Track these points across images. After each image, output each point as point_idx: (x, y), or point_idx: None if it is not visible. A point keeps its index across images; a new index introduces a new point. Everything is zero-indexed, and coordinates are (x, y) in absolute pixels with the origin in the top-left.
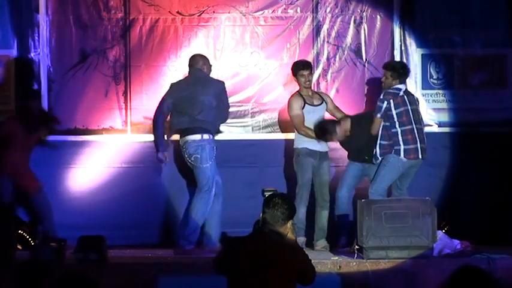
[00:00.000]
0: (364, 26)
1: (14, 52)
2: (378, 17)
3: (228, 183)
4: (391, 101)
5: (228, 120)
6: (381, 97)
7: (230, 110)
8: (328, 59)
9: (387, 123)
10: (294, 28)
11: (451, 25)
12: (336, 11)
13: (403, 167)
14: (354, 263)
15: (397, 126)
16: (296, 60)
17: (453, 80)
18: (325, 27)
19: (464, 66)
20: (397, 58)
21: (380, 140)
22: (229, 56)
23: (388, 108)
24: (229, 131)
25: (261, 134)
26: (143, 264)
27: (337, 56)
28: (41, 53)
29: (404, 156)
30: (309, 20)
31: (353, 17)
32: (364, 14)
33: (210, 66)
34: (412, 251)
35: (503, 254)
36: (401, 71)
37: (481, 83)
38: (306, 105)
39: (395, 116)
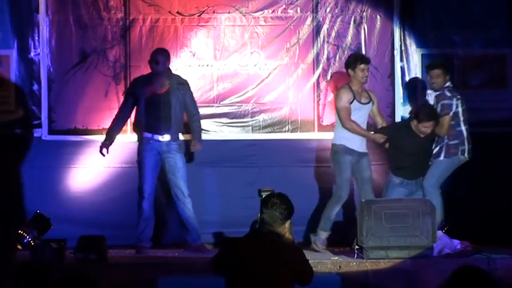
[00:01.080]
0: (364, 26)
1: (14, 52)
2: (378, 17)
3: (228, 183)
4: (459, 97)
5: (228, 120)
6: (448, 94)
7: (230, 109)
8: (328, 59)
9: (452, 122)
10: (294, 28)
11: (451, 25)
12: (336, 11)
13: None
14: (354, 263)
15: (461, 124)
16: (296, 59)
17: (453, 80)
18: (325, 27)
19: (464, 66)
20: (397, 58)
21: (447, 140)
22: (229, 56)
23: (457, 105)
24: (229, 131)
25: (261, 134)
26: (143, 264)
27: (337, 56)
28: (41, 53)
29: (467, 155)
30: (309, 20)
31: (353, 17)
32: (364, 14)
33: (160, 62)
34: (412, 251)
35: (503, 254)
36: (448, 66)
37: (481, 83)
38: (355, 101)
39: (461, 113)
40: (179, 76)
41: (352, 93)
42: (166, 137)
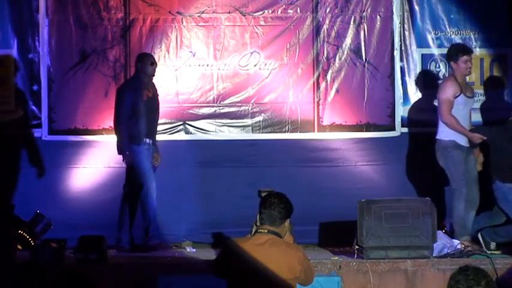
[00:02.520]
0: (364, 26)
1: (14, 52)
2: (378, 17)
3: (228, 183)
4: None
5: (228, 120)
6: None
7: (230, 109)
8: (328, 59)
9: None
10: (294, 28)
11: (451, 25)
12: (336, 11)
13: None
14: (354, 263)
15: None
16: (296, 59)
17: None
18: (325, 27)
19: None
20: (397, 58)
21: None
22: (229, 56)
23: None
24: (229, 131)
25: (261, 134)
26: (143, 264)
27: (337, 56)
28: (41, 53)
29: None
30: (309, 20)
31: (353, 17)
32: (364, 14)
33: (155, 64)
34: (412, 251)
35: (503, 254)
36: None
37: (481, 83)
38: (462, 94)
39: None
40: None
41: (459, 86)
42: (151, 140)
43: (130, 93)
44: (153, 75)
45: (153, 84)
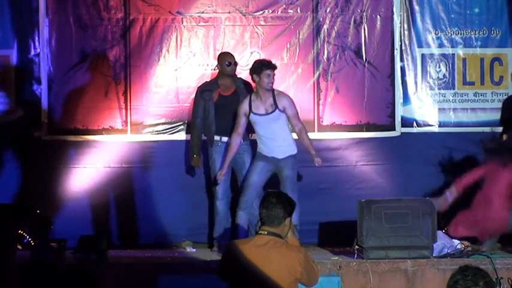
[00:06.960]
0: (364, 26)
1: (14, 52)
2: (378, 17)
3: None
4: None
5: None
6: None
7: None
8: (328, 59)
9: None
10: (294, 28)
11: (451, 25)
12: (336, 11)
13: None
14: (354, 263)
15: None
16: (296, 59)
17: (453, 80)
18: (325, 27)
19: (464, 66)
20: (397, 58)
21: None
22: None
23: None
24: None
25: None
26: (143, 264)
27: (337, 56)
28: (41, 53)
29: None
30: (309, 20)
31: (353, 17)
32: (364, 14)
33: (232, 63)
34: (412, 251)
35: (503, 254)
36: None
37: (481, 83)
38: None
39: None
40: (242, 78)
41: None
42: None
43: (198, 96)
44: (231, 75)
45: (237, 80)
